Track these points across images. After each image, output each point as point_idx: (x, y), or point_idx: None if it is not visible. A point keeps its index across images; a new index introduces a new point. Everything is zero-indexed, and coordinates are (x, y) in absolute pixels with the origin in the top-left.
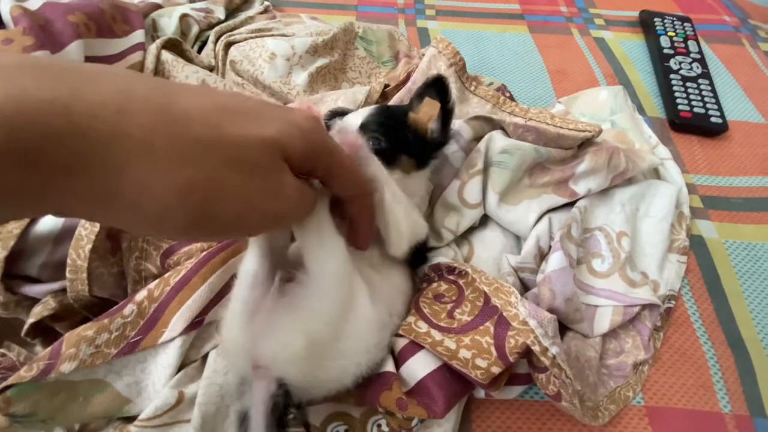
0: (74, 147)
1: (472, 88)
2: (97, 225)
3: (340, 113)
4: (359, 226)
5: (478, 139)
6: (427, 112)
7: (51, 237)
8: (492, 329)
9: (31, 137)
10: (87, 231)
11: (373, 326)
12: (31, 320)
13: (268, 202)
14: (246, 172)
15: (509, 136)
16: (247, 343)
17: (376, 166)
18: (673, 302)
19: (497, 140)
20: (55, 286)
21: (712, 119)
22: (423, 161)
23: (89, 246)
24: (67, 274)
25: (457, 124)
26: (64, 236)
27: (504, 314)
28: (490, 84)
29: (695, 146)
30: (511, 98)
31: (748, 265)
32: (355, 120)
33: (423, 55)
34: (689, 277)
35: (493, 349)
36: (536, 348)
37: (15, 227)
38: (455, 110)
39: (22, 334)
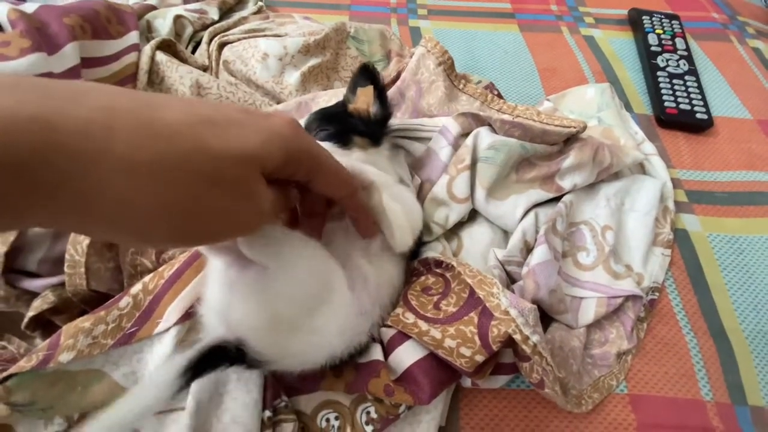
0: (59, 164)
1: (461, 86)
2: None
3: (325, 115)
4: (358, 220)
5: (466, 135)
6: (365, 100)
7: (50, 233)
8: (476, 319)
9: (16, 154)
10: None
11: (350, 311)
12: (30, 313)
13: (243, 216)
14: (226, 188)
15: (496, 133)
16: (222, 307)
17: (369, 172)
18: (657, 294)
19: (484, 136)
20: (54, 280)
21: (698, 115)
22: (376, 138)
23: (86, 242)
24: (66, 269)
25: (444, 120)
26: (62, 232)
27: (487, 305)
28: (479, 82)
29: (681, 142)
30: (499, 96)
31: (731, 257)
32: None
33: (413, 53)
34: (673, 270)
35: (476, 338)
36: (517, 336)
37: None
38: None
39: (23, 327)
